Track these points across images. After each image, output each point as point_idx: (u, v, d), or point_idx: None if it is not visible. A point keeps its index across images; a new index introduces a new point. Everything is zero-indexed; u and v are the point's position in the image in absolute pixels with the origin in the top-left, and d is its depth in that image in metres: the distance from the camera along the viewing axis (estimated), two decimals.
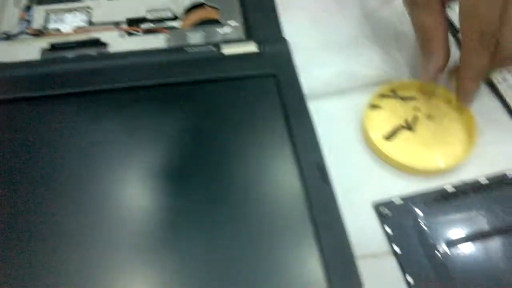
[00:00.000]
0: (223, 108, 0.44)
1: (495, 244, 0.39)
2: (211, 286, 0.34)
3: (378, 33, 0.55)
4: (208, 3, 0.55)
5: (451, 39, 0.55)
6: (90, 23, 0.54)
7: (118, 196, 0.39)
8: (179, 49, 0.49)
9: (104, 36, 0.52)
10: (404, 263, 0.38)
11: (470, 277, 0.38)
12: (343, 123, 0.48)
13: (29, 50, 0.50)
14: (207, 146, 0.42)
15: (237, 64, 0.47)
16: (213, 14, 0.55)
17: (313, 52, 0.52)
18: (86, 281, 0.34)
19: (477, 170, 0.44)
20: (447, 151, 0.45)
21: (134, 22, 0.54)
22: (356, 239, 0.40)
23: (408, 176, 0.44)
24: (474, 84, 0.45)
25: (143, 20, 0.54)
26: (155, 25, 0.54)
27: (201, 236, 0.36)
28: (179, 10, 0.55)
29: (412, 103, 0.49)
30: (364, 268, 0.38)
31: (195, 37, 0.52)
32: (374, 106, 0.48)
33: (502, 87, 0.50)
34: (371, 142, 0.45)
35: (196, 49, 0.48)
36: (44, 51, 0.51)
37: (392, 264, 0.39)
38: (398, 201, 0.41)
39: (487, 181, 0.43)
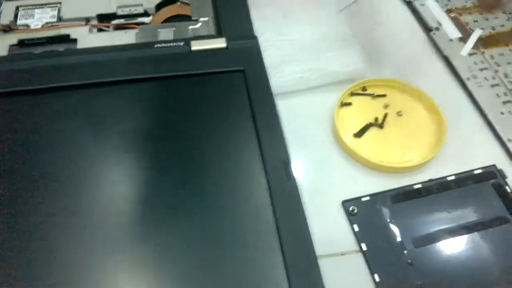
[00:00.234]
0: (191, 104, 0.44)
1: (461, 241, 0.39)
2: (168, 284, 0.34)
3: (350, 29, 0.55)
4: None
5: (424, 36, 0.55)
6: (60, 19, 0.53)
7: (85, 191, 0.39)
8: (148, 45, 0.48)
9: (73, 32, 0.51)
10: (371, 261, 0.38)
11: (437, 275, 0.38)
12: (314, 120, 0.48)
13: None
14: (174, 141, 0.41)
15: (205, 59, 0.47)
16: (184, 10, 0.54)
17: (284, 49, 0.52)
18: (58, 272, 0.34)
19: (445, 168, 0.44)
20: (416, 149, 0.45)
21: (104, 18, 0.53)
22: (324, 237, 0.39)
23: (378, 173, 0.44)
24: None
25: (114, 16, 0.53)
26: (126, 21, 0.53)
27: (162, 232, 0.36)
28: (150, 5, 0.54)
29: (383, 100, 0.49)
30: (332, 267, 0.38)
31: (166, 33, 0.51)
32: (344, 104, 0.48)
33: (471, 85, 0.50)
34: (341, 140, 0.45)
35: (165, 45, 0.48)
36: (12, 47, 0.50)
37: (359, 262, 0.39)
38: (364, 199, 0.41)
39: (454, 179, 0.43)
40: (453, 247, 0.39)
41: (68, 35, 0.51)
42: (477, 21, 0.57)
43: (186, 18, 0.54)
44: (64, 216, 0.37)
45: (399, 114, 0.47)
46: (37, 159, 0.40)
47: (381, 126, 0.46)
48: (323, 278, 0.34)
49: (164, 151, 0.41)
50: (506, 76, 0.51)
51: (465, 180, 0.43)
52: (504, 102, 0.49)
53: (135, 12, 0.53)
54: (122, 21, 0.53)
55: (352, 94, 0.49)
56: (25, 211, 0.37)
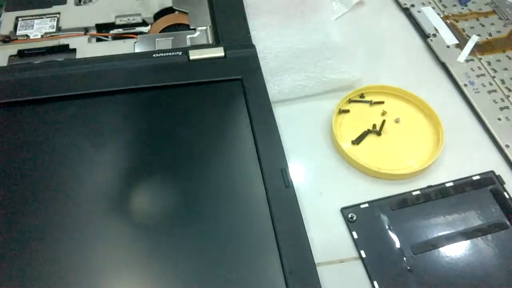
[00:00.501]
0: (190, 112, 0.44)
1: (460, 248, 0.39)
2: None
3: (346, 37, 0.55)
4: (178, 8, 0.55)
5: (421, 43, 0.55)
6: (59, 29, 0.53)
7: (84, 200, 0.39)
8: (146, 55, 0.48)
9: (72, 42, 0.52)
10: (371, 269, 0.38)
11: (436, 282, 0.38)
12: (312, 127, 0.48)
13: None
14: (173, 150, 0.41)
15: (204, 69, 0.47)
16: (182, 19, 0.55)
17: (282, 57, 0.52)
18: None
19: (444, 174, 0.44)
20: (414, 155, 0.45)
21: (103, 28, 0.54)
22: (324, 244, 0.40)
23: (376, 180, 0.44)
24: None
25: (112, 25, 0.54)
26: (124, 30, 0.53)
27: (160, 240, 0.36)
28: (148, 15, 0.54)
29: (380, 107, 0.49)
30: (331, 274, 0.38)
31: (164, 43, 0.51)
32: (342, 111, 0.48)
33: (468, 91, 0.50)
34: (339, 147, 0.45)
35: (164, 55, 0.48)
36: (12, 58, 0.50)
37: (359, 270, 0.39)
38: (363, 206, 0.41)
39: (453, 185, 0.43)
40: (452, 253, 0.39)
41: (67, 45, 0.51)
42: (473, 27, 0.57)
43: (184, 27, 0.54)
44: (62, 230, 0.37)
45: (397, 121, 0.47)
46: (37, 168, 0.40)
47: (379, 133, 0.46)
48: (322, 285, 0.34)
49: (163, 159, 0.41)
50: (503, 82, 0.51)
51: (464, 186, 0.43)
52: (502, 108, 0.49)
53: (133, 21, 0.54)
54: (120, 30, 0.53)
55: (350, 101, 0.49)
56: (23, 218, 0.37)
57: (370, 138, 0.46)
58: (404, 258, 0.38)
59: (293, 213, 0.36)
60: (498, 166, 0.45)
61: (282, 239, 0.35)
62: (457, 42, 0.55)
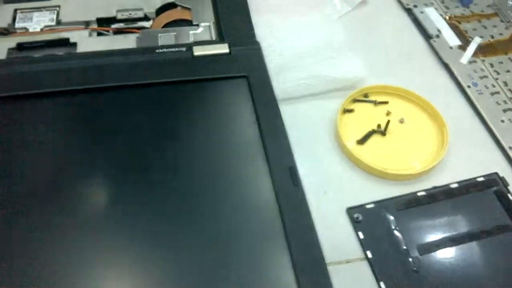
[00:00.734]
0: (195, 110, 0.43)
1: (466, 249, 0.39)
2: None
3: (351, 36, 0.55)
4: (180, 4, 0.55)
5: (424, 44, 0.55)
6: (59, 22, 0.52)
7: (85, 199, 0.38)
8: (149, 50, 0.48)
9: (73, 35, 0.51)
10: (377, 269, 0.38)
11: (442, 282, 0.38)
12: (316, 126, 0.48)
13: None
14: (177, 148, 0.41)
15: (208, 65, 0.46)
16: (185, 15, 0.54)
17: (286, 55, 0.51)
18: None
19: (448, 175, 0.44)
20: (418, 156, 0.45)
21: (104, 22, 0.53)
22: (329, 244, 0.39)
23: (381, 180, 0.44)
24: None
25: (114, 20, 0.53)
26: (126, 25, 0.53)
27: (168, 243, 0.35)
28: (150, 10, 0.54)
29: (385, 107, 0.48)
30: (338, 275, 0.37)
31: (167, 38, 0.51)
32: (346, 110, 0.48)
33: (471, 92, 0.50)
34: (344, 147, 0.45)
35: (167, 50, 0.47)
36: (11, 51, 0.49)
37: (365, 270, 0.38)
38: (369, 206, 0.41)
39: (457, 186, 0.43)
40: (458, 255, 0.39)
41: (67, 39, 0.50)
42: (475, 29, 0.57)
43: (187, 23, 0.53)
44: (61, 229, 0.36)
45: (401, 121, 0.47)
46: (36, 164, 0.39)
47: (383, 133, 0.46)
48: None
49: (167, 158, 0.40)
50: (505, 84, 0.51)
51: (468, 187, 0.43)
52: (505, 110, 0.49)
53: (135, 16, 0.53)
54: (122, 25, 0.53)
55: (354, 100, 0.49)
56: (21, 215, 0.36)
57: (375, 138, 0.46)
58: (410, 259, 0.38)
59: (303, 211, 0.36)
60: (502, 168, 0.45)
61: (293, 238, 0.34)
62: (459, 43, 0.55)
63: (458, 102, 0.50)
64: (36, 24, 0.52)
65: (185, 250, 0.35)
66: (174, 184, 0.39)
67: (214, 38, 0.51)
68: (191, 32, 0.52)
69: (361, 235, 0.40)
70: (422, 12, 0.59)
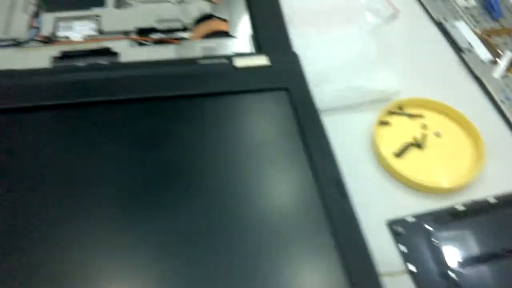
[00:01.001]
0: (238, 121, 0.44)
1: (507, 264, 0.40)
2: None
3: (385, 48, 0.56)
4: (217, 15, 0.56)
5: (455, 57, 0.56)
6: (100, 31, 0.53)
7: (130, 208, 0.39)
8: (191, 61, 0.49)
9: (114, 45, 0.52)
10: (420, 282, 0.39)
11: None
12: (353, 138, 0.48)
13: (38, 58, 0.50)
14: (221, 161, 0.41)
15: (249, 77, 0.47)
16: (222, 26, 0.55)
17: (322, 67, 0.52)
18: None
19: (486, 189, 0.45)
20: (456, 169, 0.46)
21: (144, 32, 0.54)
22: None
23: (419, 193, 0.45)
24: None
25: (153, 30, 0.54)
26: (165, 35, 0.54)
27: (221, 255, 0.36)
28: (188, 21, 0.55)
29: (420, 121, 0.49)
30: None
31: (206, 49, 0.52)
32: (383, 123, 0.49)
33: (505, 107, 0.51)
34: (382, 159, 0.46)
35: (208, 61, 0.48)
36: (54, 59, 0.50)
37: (407, 284, 0.39)
38: (410, 219, 0.42)
39: (496, 201, 0.43)
40: (500, 270, 0.40)
41: (109, 48, 0.51)
42: (506, 43, 0.58)
43: (224, 34, 0.54)
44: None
45: (437, 134, 0.48)
46: (80, 173, 0.40)
47: (420, 146, 0.47)
48: None
49: (209, 171, 0.41)
50: None
51: (507, 202, 0.44)
52: None
53: (174, 27, 0.54)
54: (161, 35, 0.53)
55: (389, 113, 0.50)
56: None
57: (412, 151, 0.47)
58: (452, 273, 0.39)
59: (353, 224, 0.37)
60: None
61: (345, 251, 0.35)
62: (491, 57, 0.56)
63: (491, 116, 0.51)
64: (77, 33, 0.53)
65: (238, 264, 0.35)
66: (216, 197, 0.39)
67: (252, 50, 0.52)
68: (229, 43, 0.52)
69: (402, 248, 0.40)
70: (453, 27, 0.59)
